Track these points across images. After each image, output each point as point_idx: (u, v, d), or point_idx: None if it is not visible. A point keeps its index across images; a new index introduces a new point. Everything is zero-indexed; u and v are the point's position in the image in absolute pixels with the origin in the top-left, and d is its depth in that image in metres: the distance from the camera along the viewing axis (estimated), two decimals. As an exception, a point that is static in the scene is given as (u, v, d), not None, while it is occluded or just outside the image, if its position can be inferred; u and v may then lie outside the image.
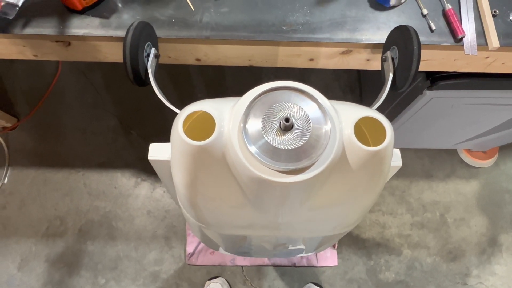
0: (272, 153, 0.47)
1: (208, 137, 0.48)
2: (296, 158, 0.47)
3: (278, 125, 0.49)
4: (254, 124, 0.49)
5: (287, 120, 0.47)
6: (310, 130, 0.48)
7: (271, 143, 0.48)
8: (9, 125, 1.58)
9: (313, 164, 0.48)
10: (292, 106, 0.49)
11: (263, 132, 0.48)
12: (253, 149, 0.47)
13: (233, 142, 0.48)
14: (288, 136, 0.48)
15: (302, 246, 0.78)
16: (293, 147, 0.48)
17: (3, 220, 1.50)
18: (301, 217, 0.57)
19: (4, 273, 1.44)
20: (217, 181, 0.52)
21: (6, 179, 1.55)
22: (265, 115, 0.49)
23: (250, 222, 0.61)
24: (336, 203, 0.56)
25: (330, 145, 0.48)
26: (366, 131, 0.60)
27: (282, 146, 0.48)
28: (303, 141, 0.48)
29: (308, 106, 0.50)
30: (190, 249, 1.45)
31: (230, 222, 0.63)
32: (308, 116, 0.49)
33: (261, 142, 0.48)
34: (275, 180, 0.47)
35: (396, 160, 0.59)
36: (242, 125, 0.48)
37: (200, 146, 0.48)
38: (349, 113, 0.51)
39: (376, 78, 1.40)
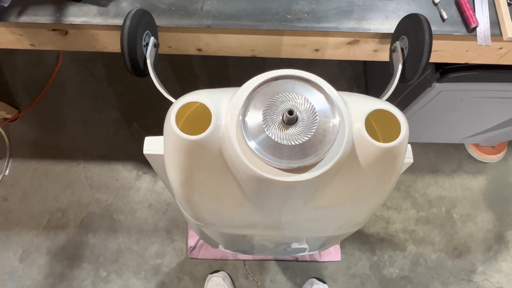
0: (274, 149, 0.43)
1: (204, 131, 0.44)
2: (300, 155, 0.43)
3: (280, 118, 0.44)
4: (254, 117, 0.44)
5: (290, 112, 0.43)
6: (316, 124, 0.44)
7: (273, 138, 0.43)
8: (10, 116, 1.57)
9: (319, 161, 0.43)
10: (296, 97, 0.45)
11: (264, 126, 0.44)
12: (252, 144, 0.43)
13: (231, 136, 0.44)
14: (292, 130, 0.44)
15: (305, 246, 0.76)
16: (297, 143, 0.43)
17: (4, 212, 1.49)
18: (305, 217, 0.53)
19: (6, 264, 1.44)
20: (214, 179, 0.48)
21: (7, 171, 1.54)
22: (266, 107, 0.44)
23: (251, 221, 0.57)
24: (343, 203, 0.52)
25: (338, 141, 0.44)
26: (375, 125, 0.56)
27: (285, 142, 0.43)
28: (309, 135, 0.44)
29: (314, 97, 0.45)
30: (191, 242, 1.44)
31: (229, 221, 0.60)
32: (314, 108, 0.44)
33: (261, 137, 0.43)
34: (277, 179, 0.43)
35: (407, 156, 0.54)
36: (240, 118, 0.44)
37: (194, 140, 0.44)
38: (360, 105, 0.47)
39: (383, 70, 1.37)
